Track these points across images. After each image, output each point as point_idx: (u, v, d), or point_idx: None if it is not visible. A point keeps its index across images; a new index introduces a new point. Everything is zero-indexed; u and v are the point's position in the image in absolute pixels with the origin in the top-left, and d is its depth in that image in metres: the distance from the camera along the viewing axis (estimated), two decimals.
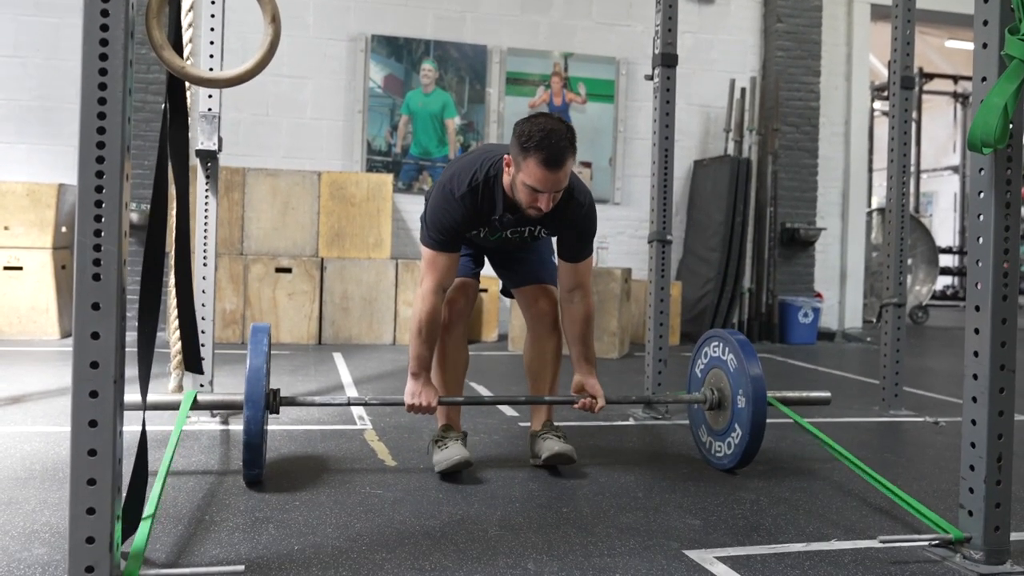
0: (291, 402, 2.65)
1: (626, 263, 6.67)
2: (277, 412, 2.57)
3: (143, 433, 1.85)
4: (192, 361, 2.18)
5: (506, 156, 2.45)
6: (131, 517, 1.77)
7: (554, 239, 2.74)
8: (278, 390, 2.57)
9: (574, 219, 2.57)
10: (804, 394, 3.02)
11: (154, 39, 1.75)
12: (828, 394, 3.03)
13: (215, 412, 3.39)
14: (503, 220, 2.54)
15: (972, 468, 2.02)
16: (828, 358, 6.04)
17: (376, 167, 6.72)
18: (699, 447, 2.98)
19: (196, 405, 2.66)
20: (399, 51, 6.77)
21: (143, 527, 1.83)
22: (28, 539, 1.98)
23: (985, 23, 2.03)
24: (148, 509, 1.91)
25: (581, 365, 2.69)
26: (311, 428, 3.27)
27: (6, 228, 5.56)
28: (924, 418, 3.82)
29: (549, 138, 2.31)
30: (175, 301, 2.82)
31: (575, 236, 2.60)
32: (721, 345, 2.84)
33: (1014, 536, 2.06)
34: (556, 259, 2.73)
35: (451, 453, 2.58)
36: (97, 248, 1.61)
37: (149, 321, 1.81)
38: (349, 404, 2.82)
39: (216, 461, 2.78)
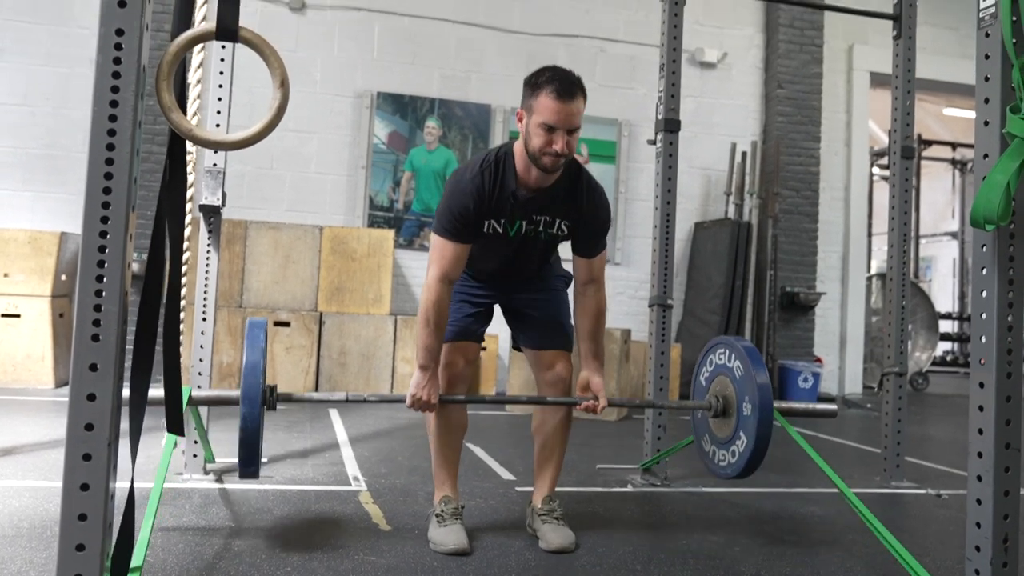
0: (288, 398, 2.61)
1: (625, 324, 6.66)
2: (274, 408, 2.53)
3: (131, 493, 1.81)
4: (174, 422, 2.14)
5: (519, 111, 2.51)
6: None
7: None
8: (275, 386, 2.54)
9: (591, 203, 2.59)
10: (810, 406, 3.05)
11: (163, 101, 1.76)
12: (834, 407, 3.05)
13: (208, 470, 3.35)
14: (517, 196, 2.52)
15: (978, 549, 1.98)
16: (828, 424, 5.98)
17: (378, 222, 6.75)
18: (702, 458, 2.99)
19: (191, 401, 2.64)
20: (404, 108, 6.85)
21: None
22: None
23: (987, 101, 2.05)
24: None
25: (589, 362, 2.67)
26: (305, 488, 3.23)
27: (6, 275, 5.56)
28: (927, 490, 3.77)
29: (558, 72, 2.43)
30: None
31: (590, 226, 2.61)
32: (727, 352, 2.85)
33: None
34: (572, 263, 2.73)
35: (449, 537, 2.52)
36: (98, 308, 1.59)
37: (142, 381, 1.79)
38: (348, 401, 2.76)
39: (207, 521, 2.73)
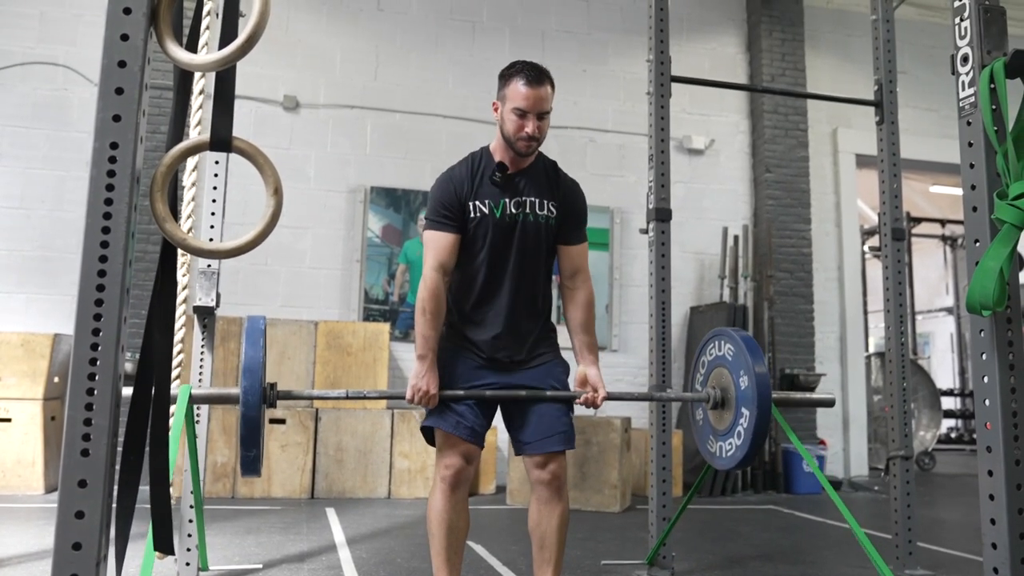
0: (288, 396, 2.62)
1: (625, 412, 6.58)
2: (274, 406, 2.53)
3: None
4: (162, 541, 2.06)
5: (494, 103, 2.69)
6: None
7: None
8: (275, 384, 2.55)
9: (567, 190, 2.75)
10: (807, 396, 3.13)
11: (157, 212, 1.77)
12: (832, 396, 3.12)
13: None
14: (501, 169, 2.64)
15: None
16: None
17: (373, 315, 6.74)
18: (709, 460, 3.00)
19: (192, 399, 2.65)
20: (397, 202, 6.92)
21: None
22: None
23: (973, 187, 2.07)
24: None
25: (584, 355, 2.69)
26: None
27: None
28: None
29: (527, 63, 2.63)
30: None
31: (571, 210, 2.74)
32: (719, 342, 2.94)
33: None
34: (557, 283, 2.76)
35: None
36: (87, 423, 1.56)
37: (129, 497, 1.74)
38: (348, 398, 2.76)
39: None
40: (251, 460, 2.41)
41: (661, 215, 3.80)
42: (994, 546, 1.95)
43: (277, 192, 1.82)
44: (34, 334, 5.67)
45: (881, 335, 4.30)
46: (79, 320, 1.57)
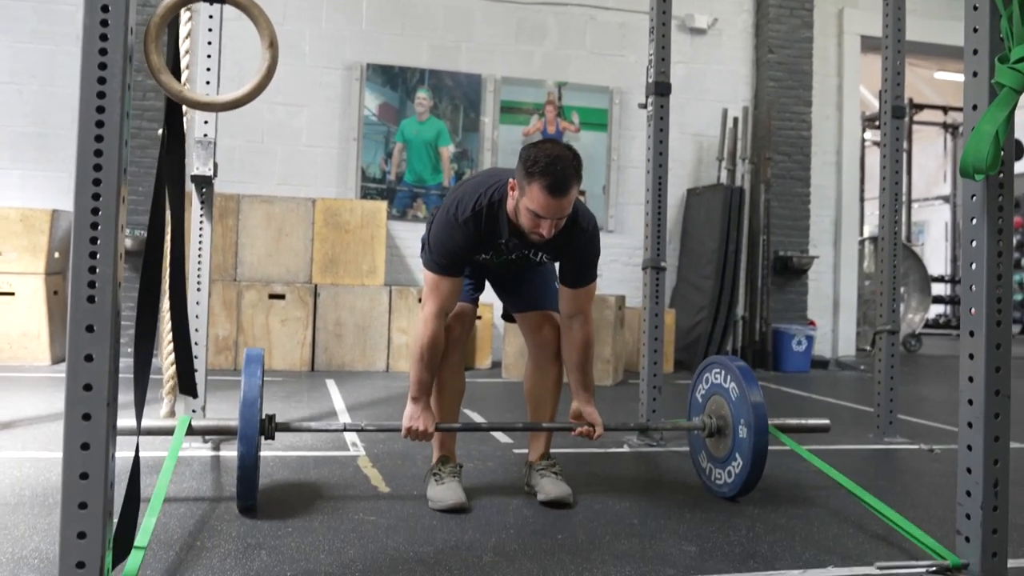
0: (286, 428, 2.64)
1: (620, 290, 6.68)
2: (272, 438, 2.56)
3: (136, 458, 1.83)
4: (187, 384, 2.17)
5: (511, 180, 2.41)
6: (122, 543, 1.74)
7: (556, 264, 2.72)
8: (273, 416, 2.57)
9: (577, 245, 2.53)
10: (803, 421, 3.05)
11: (152, 63, 1.76)
12: (827, 421, 3.04)
13: (207, 438, 3.37)
14: (508, 245, 2.52)
15: (969, 494, 2.02)
16: (822, 386, 6.04)
17: (370, 194, 6.73)
18: (699, 473, 2.96)
19: (191, 431, 2.67)
20: (394, 80, 6.81)
21: (135, 555, 1.81)
22: (16, 565, 1.95)
23: (975, 52, 2.05)
24: (141, 540, 1.89)
25: (579, 393, 2.66)
26: (304, 454, 3.25)
27: None
28: (919, 445, 3.81)
29: (554, 164, 2.29)
30: (169, 327, 2.83)
31: (577, 262, 2.57)
32: (722, 372, 2.83)
33: (1011, 563, 2.05)
34: (557, 284, 2.70)
35: (447, 494, 2.56)
36: (92, 270, 1.60)
37: (145, 346, 1.81)
38: (345, 430, 2.82)
39: (208, 487, 2.76)
40: (246, 508, 2.41)
41: (660, 89, 3.77)
42: (970, 402, 2.03)
43: (272, 45, 1.81)
44: (32, 209, 5.67)
45: (875, 223, 4.31)
46: (79, 168, 1.59)
